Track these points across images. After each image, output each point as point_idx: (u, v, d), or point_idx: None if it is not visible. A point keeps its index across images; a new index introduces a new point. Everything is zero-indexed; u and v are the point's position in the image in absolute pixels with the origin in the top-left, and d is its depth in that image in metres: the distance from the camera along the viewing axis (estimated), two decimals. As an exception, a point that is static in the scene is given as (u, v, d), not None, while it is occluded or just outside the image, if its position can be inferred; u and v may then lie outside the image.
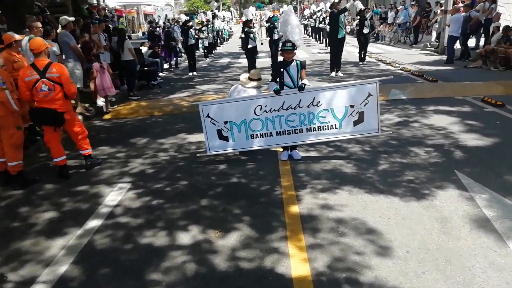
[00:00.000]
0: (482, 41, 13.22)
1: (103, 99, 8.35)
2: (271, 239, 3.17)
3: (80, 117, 7.22)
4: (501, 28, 10.96)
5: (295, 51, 4.54)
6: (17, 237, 3.47)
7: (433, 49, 14.86)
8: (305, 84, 4.50)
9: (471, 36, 12.74)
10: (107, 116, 7.71)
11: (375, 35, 20.76)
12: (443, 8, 13.62)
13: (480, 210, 3.39)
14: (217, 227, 3.41)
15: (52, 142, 4.68)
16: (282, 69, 4.57)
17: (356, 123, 4.60)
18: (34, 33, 5.76)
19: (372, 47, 16.45)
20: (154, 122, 7.19)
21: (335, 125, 4.63)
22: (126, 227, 3.54)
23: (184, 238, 3.28)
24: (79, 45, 7.45)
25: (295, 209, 3.64)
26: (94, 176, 4.80)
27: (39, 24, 6.15)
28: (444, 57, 12.83)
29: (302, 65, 4.60)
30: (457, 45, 12.06)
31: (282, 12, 18.58)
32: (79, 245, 3.28)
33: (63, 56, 6.81)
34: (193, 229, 3.40)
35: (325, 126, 4.65)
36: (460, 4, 12.73)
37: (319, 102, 4.56)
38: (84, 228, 3.57)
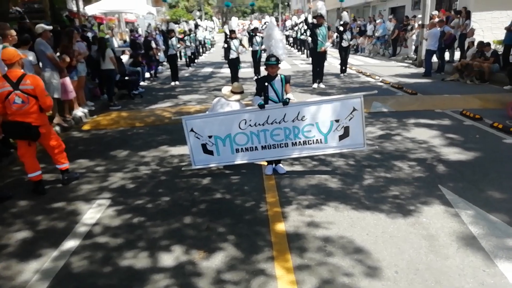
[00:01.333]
0: (457, 55, 13.66)
1: (82, 109, 8.11)
2: (257, 259, 3.08)
3: (57, 128, 7.00)
4: (475, 43, 11.35)
5: (279, 65, 4.51)
6: (-14, 260, 3.26)
7: (411, 61, 15.24)
8: (289, 99, 4.47)
9: (446, 50, 13.12)
10: (86, 127, 7.47)
11: (355, 47, 21.14)
12: (420, 22, 14.01)
13: (466, 227, 3.40)
14: (201, 247, 3.29)
15: (26, 156, 4.46)
16: (266, 84, 4.53)
17: (341, 137, 4.59)
18: (8, 42, 5.54)
19: (352, 59, 16.71)
20: (135, 134, 7.00)
21: (321, 139, 4.60)
22: (105, 248, 3.37)
23: (167, 259, 3.15)
24: (57, 54, 7.22)
25: (281, 227, 3.56)
26: (72, 192, 4.59)
27: (13, 32, 5.91)
28: (422, 69, 13.16)
29: (286, 80, 4.58)
30: (434, 59, 12.39)
31: (265, 23, 18.71)
32: (55, 268, 3.09)
33: (40, 65, 6.55)
34: (176, 250, 3.27)
35: (310, 140, 4.61)
36: (437, 19, 13.11)
37: (304, 116, 4.53)
38: (60, 249, 3.38)
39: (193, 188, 4.52)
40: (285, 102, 4.43)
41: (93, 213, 4.03)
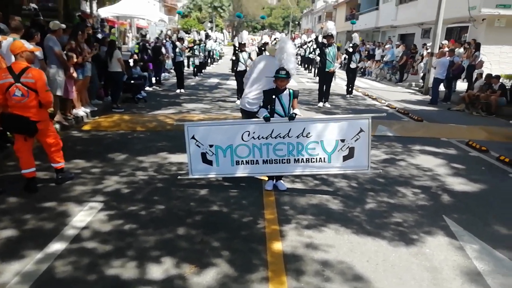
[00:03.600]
0: (459, 84, 13.66)
1: (84, 109, 8.03)
2: (251, 279, 2.92)
3: (57, 125, 6.89)
4: (483, 75, 11.34)
5: (288, 79, 4.42)
6: (-33, 257, 3.10)
7: (417, 88, 15.24)
8: (296, 114, 4.36)
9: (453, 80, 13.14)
10: (86, 127, 7.37)
11: (362, 70, 21.23)
12: (429, 50, 14.06)
13: (471, 262, 3.24)
14: (193, 261, 3.14)
15: (22, 151, 4.33)
16: (274, 97, 4.43)
17: (345, 158, 4.46)
18: (16, 34, 5.49)
19: (358, 81, 16.74)
20: (136, 138, 6.89)
21: (324, 158, 4.48)
22: (92, 254, 3.21)
23: (156, 271, 2.99)
24: (65, 52, 7.17)
25: (278, 246, 3.40)
26: (64, 192, 4.45)
27: (21, 26, 5.87)
28: (428, 97, 13.14)
29: (294, 95, 4.49)
30: (441, 87, 12.37)
31: (275, 39, 18.83)
32: (37, 271, 2.93)
33: (46, 62, 6.49)
34: (167, 262, 3.11)
35: (313, 158, 4.49)
36: (446, 49, 13.16)
37: (309, 133, 4.42)
38: (45, 252, 3.22)
39: (190, 198, 4.38)
40: (291, 117, 4.33)
41: (83, 216, 3.88)
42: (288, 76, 4.35)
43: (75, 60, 7.08)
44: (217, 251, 3.30)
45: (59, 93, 6.64)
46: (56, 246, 3.30)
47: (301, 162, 4.50)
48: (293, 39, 38.39)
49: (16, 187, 4.43)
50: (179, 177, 4.82)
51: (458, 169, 5.67)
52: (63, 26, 6.88)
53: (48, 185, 4.64)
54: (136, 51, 11.52)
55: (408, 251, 3.39)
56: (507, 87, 10.84)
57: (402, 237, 3.63)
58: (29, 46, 4.39)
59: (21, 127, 4.19)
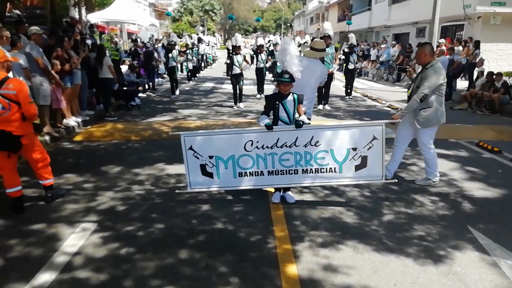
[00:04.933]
0: (459, 83, 13.44)
1: (76, 119, 7.63)
2: (267, 312, 2.57)
3: (47, 137, 6.50)
4: (485, 73, 11.11)
5: (292, 83, 4.07)
6: None
7: (416, 88, 14.99)
8: (303, 122, 4.01)
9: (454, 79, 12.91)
10: (78, 138, 6.97)
11: (358, 71, 21.00)
12: (427, 49, 13.81)
13: (510, 281, 2.92)
14: (199, 290, 2.78)
15: (5, 169, 3.95)
16: (277, 103, 4.09)
17: (358, 167, 4.11)
18: (2, 43, 5.12)
19: (356, 82, 16.44)
20: (130, 148, 6.51)
21: (335, 168, 4.12)
22: (85, 285, 2.84)
23: (158, 306, 2.63)
24: (53, 58, 6.77)
25: (292, 269, 3.06)
26: (54, 212, 4.07)
27: (8, 34, 5.49)
28: (428, 97, 12.88)
29: (299, 100, 4.13)
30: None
31: (269, 41, 18.50)
32: (21, 310, 2.56)
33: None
34: (170, 293, 2.76)
35: (323, 168, 4.13)
36: (444, 47, 12.94)
37: (318, 141, 4.06)
38: (31, 284, 2.85)
39: (191, 214, 4.02)
40: (299, 125, 3.97)
41: (75, 239, 3.51)
42: (292, 80, 4.01)
43: (59, 67, 6.68)
44: (224, 277, 2.95)
45: (43, 102, 6.22)
46: (45, 277, 2.93)
47: (310, 172, 4.14)
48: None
49: (1, 208, 4.04)
50: (176, 191, 4.46)
51: (473, 173, 5.36)
52: (40, 30, 6.47)
53: (37, 203, 4.27)
54: (116, 58, 11.04)
55: (438, 271, 3.06)
56: (509, 84, 10.60)
57: (429, 254, 3.29)
58: (8, 55, 4.02)
59: (3, 143, 3.79)
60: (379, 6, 26.03)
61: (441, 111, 4.67)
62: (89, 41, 10.06)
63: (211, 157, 4.13)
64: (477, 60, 12.27)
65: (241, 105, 10.30)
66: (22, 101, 3.75)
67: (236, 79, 10.19)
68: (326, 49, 9.69)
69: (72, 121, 7.40)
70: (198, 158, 4.13)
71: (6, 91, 3.68)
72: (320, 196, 4.54)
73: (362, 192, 4.63)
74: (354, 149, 4.07)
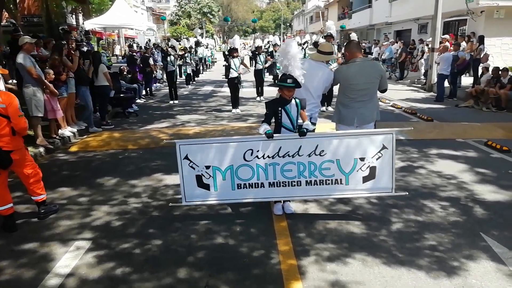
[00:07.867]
0: (463, 79, 13.20)
1: (71, 128, 7.48)
2: (272, 338, 2.38)
3: (41, 149, 6.34)
4: (490, 69, 10.87)
5: (296, 88, 3.86)
6: None
7: (420, 86, 14.77)
8: (307, 129, 3.80)
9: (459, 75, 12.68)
10: (73, 148, 6.81)
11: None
12: (430, 46, 13.61)
13: (531, 296, 2.72)
14: (199, 315, 2.60)
15: (-6, 187, 3.79)
16: (280, 109, 3.88)
17: (366, 179, 3.85)
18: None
19: (358, 81, 16.25)
20: (127, 158, 6.34)
21: (341, 180, 3.87)
22: (77, 313, 2.67)
23: (154, 334, 2.44)
24: (47, 67, 6.62)
25: (298, 287, 2.87)
26: (47, 229, 3.90)
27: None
28: (432, 94, 12.68)
29: (302, 105, 3.93)
30: (445, 84, 11.90)
31: (268, 42, 18.30)
32: None
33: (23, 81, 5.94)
34: (167, 319, 2.57)
35: (328, 180, 3.88)
36: (447, 44, 12.71)
37: (323, 151, 3.81)
38: (20, 312, 2.68)
39: (190, 229, 3.84)
40: (303, 133, 3.73)
41: (69, 259, 3.34)
42: (297, 85, 3.79)
43: (52, 76, 6.51)
44: (226, 299, 2.76)
45: (37, 113, 6.06)
46: (35, 304, 2.76)
47: (314, 184, 3.89)
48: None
49: (-9, 227, 3.88)
50: (170, 204, 4.25)
51: (483, 175, 5.15)
52: (32, 40, 6.29)
53: (29, 220, 4.11)
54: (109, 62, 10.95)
55: (453, 284, 2.86)
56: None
57: (442, 265, 3.10)
58: (-3, 67, 3.86)
59: (-8, 159, 3.63)
60: (380, 2, 25.77)
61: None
62: (84, 48, 9.91)
63: (208, 167, 3.90)
64: (481, 56, 12.02)
65: (238, 110, 10.13)
66: (11, 115, 3.59)
67: (233, 83, 9.99)
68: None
69: (67, 131, 7.24)
70: (194, 168, 3.91)
71: (-6, 105, 3.52)
72: (325, 204, 4.34)
73: (369, 198, 4.42)
74: (362, 159, 3.82)
